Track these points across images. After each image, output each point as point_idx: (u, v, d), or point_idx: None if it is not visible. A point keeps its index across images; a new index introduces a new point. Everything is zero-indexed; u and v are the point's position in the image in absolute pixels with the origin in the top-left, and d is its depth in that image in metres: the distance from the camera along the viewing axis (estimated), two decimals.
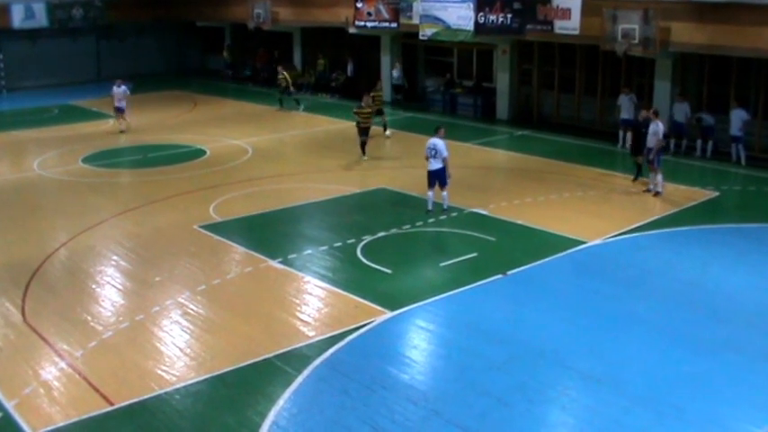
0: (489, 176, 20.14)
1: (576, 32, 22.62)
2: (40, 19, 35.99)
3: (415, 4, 26.80)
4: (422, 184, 16.56)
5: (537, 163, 20.94)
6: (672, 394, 9.20)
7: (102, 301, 12.37)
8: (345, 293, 12.34)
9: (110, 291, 12.80)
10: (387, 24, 28.56)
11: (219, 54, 39.97)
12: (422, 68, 31.73)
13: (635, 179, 18.34)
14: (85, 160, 22.00)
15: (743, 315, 11.44)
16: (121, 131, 25.84)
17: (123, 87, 26.17)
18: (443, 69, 30.54)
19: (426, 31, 25.99)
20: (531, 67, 26.94)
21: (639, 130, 18.27)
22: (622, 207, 16.91)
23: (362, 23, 29.17)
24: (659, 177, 17.39)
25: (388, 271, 13.18)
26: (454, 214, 16.06)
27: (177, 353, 10.52)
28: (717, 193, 17.77)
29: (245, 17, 34.64)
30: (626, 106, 21.94)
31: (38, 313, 11.83)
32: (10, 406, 9.20)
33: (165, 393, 9.44)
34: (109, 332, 11.14)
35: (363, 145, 21.23)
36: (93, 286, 12.96)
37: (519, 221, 15.69)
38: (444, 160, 15.87)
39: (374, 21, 28.81)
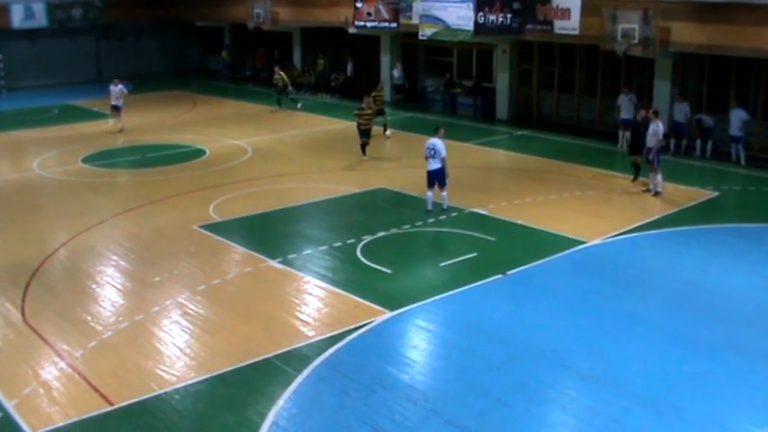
0: (489, 176, 20.14)
1: (576, 32, 22.62)
2: (40, 19, 36.00)
3: (414, 4, 26.79)
4: (421, 184, 16.56)
5: (537, 163, 20.94)
6: (672, 394, 9.20)
7: (102, 301, 12.36)
8: (345, 293, 12.34)
9: (109, 291, 12.80)
10: (386, 24, 28.56)
11: (219, 54, 39.98)
12: (421, 68, 31.73)
13: (635, 179, 18.33)
14: (85, 160, 22.00)
15: (743, 315, 11.44)
16: (121, 130, 25.86)
17: (120, 86, 26.22)
18: (443, 69, 30.55)
19: (426, 31, 25.98)
20: (531, 67, 26.94)
21: (638, 129, 18.27)
22: (622, 207, 16.91)
23: (362, 23, 29.17)
24: (659, 177, 17.39)
25: (388, 271, 13.18)
26: (454, 214, 16.06)
27: (177, 353, 10.52)
28: (716, 193, 17.77)
29: (245, 17, 34.64)
30: (626, 106, 21.94)
31: (37, 313, 11.83)
32: (10, 406, 9.20)
33: (165, 393, 9.44)
34: (109, 332, 11.14)
35: (364, 146, 21.19)
36: (93, 286, 12.96)
37: (519, 221, 15.70)
38: (443, 160, 15.87)
39: (374, 21, 28.81)
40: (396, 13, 27.95)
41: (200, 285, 12.74)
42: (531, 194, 17.60)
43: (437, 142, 15.91)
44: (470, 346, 10.53)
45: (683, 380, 9.59)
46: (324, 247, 14.38)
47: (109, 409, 9.14)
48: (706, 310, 11.61)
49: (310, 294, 12.45)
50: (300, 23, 33.53)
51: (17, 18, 35.41)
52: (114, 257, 14.27)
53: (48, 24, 36.29)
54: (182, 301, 12.16)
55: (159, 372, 9.97)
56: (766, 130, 21.30)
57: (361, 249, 14.19)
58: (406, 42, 30.24)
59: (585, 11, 22.22)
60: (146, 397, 9.36)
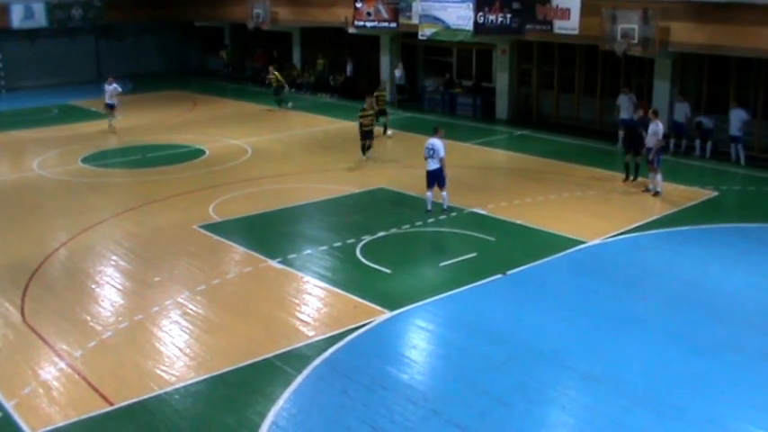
0: (489, 176, 20.14)
1: (576, 32, 22.63)
2: (40, 19, 35.99)
3: (414, 4, 26.79)
4: (421, 184, 16.56)
5: (536, 163, 20.94)
6: (672, 394, 9.20)
7: (102, 301, 12.36)
8: (345, 293, 12.34)
9: (109, 291, 12.80)
10: (386, 24, 28.56)
11: (218, 54, 39.98)
12: (421, 68, 31.73)
13: (634, 179, 18.31)
14: (85, 160, 22.00)
15: (743, 315, 11.44)
16: (110, 126, 25.93)
17: (114, 85, 26.24)
18: (443, 69, 30.56)
19: (426, 31, 25.98)
20: (531, 67, 26.94)
21: (634, 129, 18.24)
22: (622, 207, 16.91)
23: (362, 23, 29.16)
24: (659, 177, 17.39)
25: (388, 271, 13.18)
26: (454, 214, 16.06)
27: (177, 353, 10.51)
28: (716, 193, 17.77)
29: (245, 17, 34.64)
30: (625, 106, 21.91)
31: (37, 313, 11.83)
32: (9, 406, 9.20)
33: (165, 393, 9.44)
34: (108, 332, 11.13)
35: (365, 148, 21.04)
36: (93, 286, 12.96)
37: (518, 221, 15.70)
38: (441, 161, 15.86)
39: (373, 21, 28.80)
40: (395, 13, 27.95)
41: (200, 285, 12.73)
42: (530, 194, 17.60)
43: (436, 142, 15.90)
44: (470, 346, 10.53)
45: (682, 380, 9.58)
46: (324, 247, 14.38)
47: (109, 409, 9.14)
48: (706, 310, 11.62)
49: (310, 294, 12.45)
50: (300, 23, 33.53)
51: (17, 18, 35.40)
52: (114, 257, 14.27)
53: (47, 24, 36.29)
54: (181, 301, 12.16)
55: (159, 372, 9.97)
56: (766, 129, 21.30)
57: (361, 249, 14.19)
58: (406, 42, 30.24)
59: (585, 11, 22.22)
60: (145, 397, 9.35)
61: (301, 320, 11.44)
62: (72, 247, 14.82)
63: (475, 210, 16.41)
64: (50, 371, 10.05)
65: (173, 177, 19.86)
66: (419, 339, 10.94)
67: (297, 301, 12.16)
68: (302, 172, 20.30)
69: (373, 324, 11.21)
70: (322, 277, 13.01)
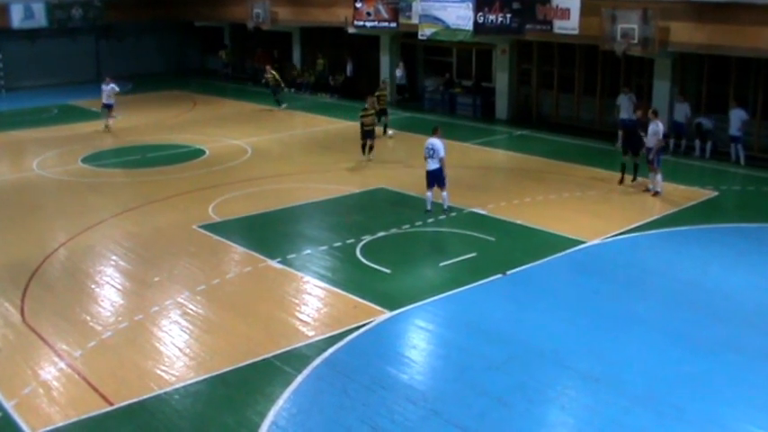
0: (488, 176, 20.13)
1: (576, 32, 22.64)
2: (40, 19, 35.99)
3: (414, 4, 26.79)
4: (421, 184, 16.56)
5: (536, 163, 20.94)
6: (671, 394, 9.20)
7: (102, 301, 12.36)
8: (345, 293, 12.34)
9: (109, 291, 12.79)
10: (386, 24, 28.56)
11: (217, 54, 39.99)
12: (421, 68, 31.73)
13: (633, 179, 18.27)
14: (85, 160, 22.00)
15: (742, 315, 11.44)
16: (106, 127, 25.96)
17: (111, 85, 26.24)
18: (442, 69, 30.55)
19: (425, 31, 25.97)
20: (531, 67, 26.94)
21: (633, 130, 18.19)
22: (622, 207, 16.91)
23: (362, 23, 29.17)
24: (659, 177, 17.39)
25: (388, 271, 13.18)
26: (453, 214, 16.06)
27: (176, 353, 10.51)
28: (716, 193, 17.78)
29: (245, 17, 34.65)
30: (625, 106, 21.91)
31: (37, 313, 11.83)
32: (9, 406, 9.20)
33: (165, 393, 9.44)
34: (108, 332, 11.13)
35: (366, 147, 20.90)
36: (93, 286, 12.96)
37: (518, 221, 15.70)
38: (441, 160, 15.86)
39: (373, 20, 28.80)
40: (395, 13, 27.95)
41: (200, 285, 12.73)
42: (530, 194, 17.60)
43: (436, 142, 15.90)
44: (470, 346, 10.53)
45: (682, 380, 9.59)
46: (323, 247, 14.38)
47: (108, 409, 9.14)
48: (706, 310, 11.62)
49: (310, 294, 12.44)
50: (300, 23, 33.53)
51: (17, 18, 35.40)
52: (114, 257, 14.27)
53: (47, 24, 36.29)
54: (181, 301, 12.16)
55: (159, 372, 9.97)
56: (766, 129, 21.29)
57: (361, 249, 14.19)
58: (406, 42, 30.23)
59: (585, 11, 22.23)
60: (145, 397, 9.35)
61: (301, 320, 11.44)
62: (72, 247, 14.82)
63: (475, 210, 16.41)
64: (50, 371, 10.05)
65: (172, 177, 19.86)
66: (419, 339, 10.94)
67: (296, 301, 12.16)
68: (302, 172, 20.30)
69: (373, 324, 11.21)
70: (322, 277, 13.01)
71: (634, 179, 18.29)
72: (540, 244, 14.43)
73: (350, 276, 13.11)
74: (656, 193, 17.36)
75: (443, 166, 15.92)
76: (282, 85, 30.16)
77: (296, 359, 10.19)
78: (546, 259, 13.66)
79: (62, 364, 10.21)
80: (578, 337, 10.82)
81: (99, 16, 37.78)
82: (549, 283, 12.81)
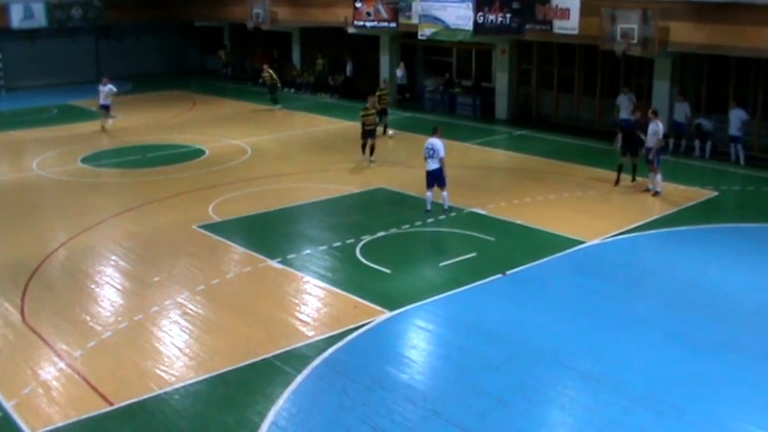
0: (488, 176, 20.13)
1: (575, 32, 22.64)
2: (39, 19, 35.97)
3: (414, 4, 26.78)
4: (421, 183, 16.56)
5: (536, 163, 20.94)
6: (671, 394, 9.20)
7: (102, 301, 12.36)
8: (344, 293, 12.33)
9: (109, 291, 12.79)
10: (386, 24, 28.55)
11: (216, 54, 40.01)
12: (421, 68, 31.73)
13: (633, 180, 18.23)
14: (84, 160, 22.00)
15: (742, 315, 11.45)
16: (103, 128, 25.98)
17: (109, 86, 26.23)
18: (442, 69, 30.55)
19: (425, 31, 25.97)
20: (530, 67, 26.94)
21: (633, 131, 18.16)
22: (621, 207, 16.91)
23: (361, 23, 29.16)
24: (658, 177, 17.39)
25: (388, 271, 13.18)
26: (453, 214, 16.06)
27: (176, 353, 10.51)
28: (716, 193, 17.78)
29: (244, 17, 34.64)
30: (625, 106, 21.93)
31: (37, 313, 11.83)
32: (9, 406, 9.20)
33: (165, 393, 9.44)
34: (108, 332, 11.13)
35: (367, 147, 20.77)
36: (93, 286, 12.96)
37: (518, 221, 15.70)
38: (441, 161, 15.86)
39: (373, 21, 28.80)
40: (395, 13, 27.94)
41: (200, 285, 12.73)
42: (530, 194, 17.61)
43: (436, 142, 15.90)
44: (470, 346, 10.53)
45: (682, 380, 9.59)
46: (323, 247, 14.38)
47: (108, 409, 9.14)
48: (705, 310, 11.62)
49: (310, 294, 12.44)
50: (299, 23, 33.52)
51: (16, 18, 35.37)
52: (114, 257, 14.27)
53: (47, 24, 36.26)
54: (181, 301, 12.16)
55: (159, 372, 9.96)
56: (765, 129, 21.29)
57: (361, 249, 14.18)
58: (406, 42, 30.23)
59: (585, 11, 22.23)
60: (145, 397, 9.35)
61: (301, 320, 11.44)
62: (72, 247, 14.82)
63: (475, 210, 16.41)
64: (50, 371, 10.05)
65: (172, 177, 19.85)
66: (419, 339, 10.94)
67: (296, 301, 12.16)
68: (302, 172, 20.30)
69: (373, 324, 11.21)
70: (322, 277, 13.01)
71: (633, 179, 18.28)
72: (539, 244, 14.43)
73: (350, 276, 13.11)
74: (655, 193, 17.36)
75: (443, 167, 15.92)
76: (279, 85, 30.14)
77: (296, 359, 10.19)
78: (546, 259, 13.66)
79: (62, 364, 10.21)
80: (578, 336, 10.82)
81: (99, 16, 37.76)
82: (548, 283, 12.81)
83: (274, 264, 13.65)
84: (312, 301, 12.22)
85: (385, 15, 28.33)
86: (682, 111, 21.49)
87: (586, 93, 25.50)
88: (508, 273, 13.03)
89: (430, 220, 15.77)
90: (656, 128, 17.32)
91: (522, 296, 12.29)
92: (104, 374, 9.92)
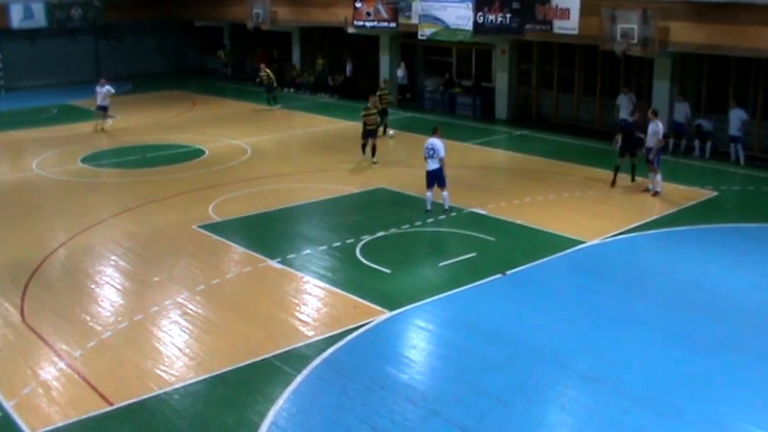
0: (488, 176, 20.14)
1: (575, 32, 22.64)
2: (39, 19, 35.97)
3: (414, 4, 26.78)
4: (421, 183, 16.56)
5: (536, 163, 20.95)
6: (671, 394, 9.21)
7: (101, 301, 12.36)
8: (344, 293, 12.34)
9: (109, 291, 12.79)
10: (386, 24, 28.55)
11: (216, 54, 40.01)
12: (421, 68, 31.73)
13: (632, 180, 18.21)
14: (84, 160, 22.00)
15: (742, 315, 11.45)
16: (102, 129, 26.02)
17: (107, 87, 26.22)
18: (442, 69, 30.55)
19: (425, 31, 25.96)
20: (530, 67, 26.94)
21: (631, 132, 18.12)
22: (621, 207, 16.91)
23: (361, 23, 29.16)
24: (658, 177, 17.39)
25: (388, 271, 13.18)
26: (453, 214, 16.06)
27: (176, 353, 10.51)
28: (716, 193, 17.78)
29: (244, 17, 34.64)
30: (625, 106, 21.94)
31: (37, 313, 11.83)
32: (9, 406, 9.20)
33: (164, 393, 9.44)
34: (108, 332, 11.13)
35: (368, 147, 20.70)
36: (92, 286, 12.96)
37: (518, 221, 15.70)
38: (441, 161, 15.86)
39: (373, 20, 28.80)
40: (395, 13, 27.95)
41: (200, 285, 12.73)
42: (530, 194, 17.61)
43: (436, 142, 15.90)
44: (470, 346, 10.53)
45: (682, 380, 9.59)
46: (323, 247, 14.38)
47: (108, 409, 9.14)
48: (705, 310, 11.62)
49: (309, 294, 12.44)
50: (299, 23, 33.53)
51: (16, 18, 35.38)
52: (113, 257, 14.27)
53: (47, 24, 36.27)
54: (181, 301, 12.16)
55: (158, 372, 9.96)
56: (765, 129, 21.30)
57: (361, 249, 14.19)
58: (406, 42, 30.23)
59: (584, 11, 22.23)
60: (145, 397, 9.35)
61: (301, 320, 11.44)
62: (71, 247, 14.82)
63: (474, 210, 16.41)
64: (50, 371, 10.05)
65: (172, 177, 19.86)
66: (419, 339, 10.94)
67: (296, 301, 12.16)
68: (302, 172, 20.30)
69: (373, 324, 11.21)
70: (321, 277, 13.01)
71: (633, 180, 18.26)
72: (539, 244, 14.43)
73: (349, 276, 13.11)
74: (655, 193, 17.37)
75: (443, 167, 15.91)
76: (275, 84, 30.08)
77: (296, 359, 10.19)
78: (546, 259, 13.66)
79: (62, 364, 10.21)
80: (578, 336, 10.82)
81: (98, 16, 37.76)
82: (548, 283, 12.81)
83: (274, 264, 13.65)
84: (312, 301, 12.23)
85: (385, 15, 28.33)
86: (682, 111, 21.50)
87: (586, 93, 25.51)
88: (508, 273, 13.03)
89: (430, 220, 15.77)
90: (656, 128, 17.32)
91: (521, 296, 12.29)
92: (104, 374, 9.92)
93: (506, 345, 10.54)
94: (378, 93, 23.35)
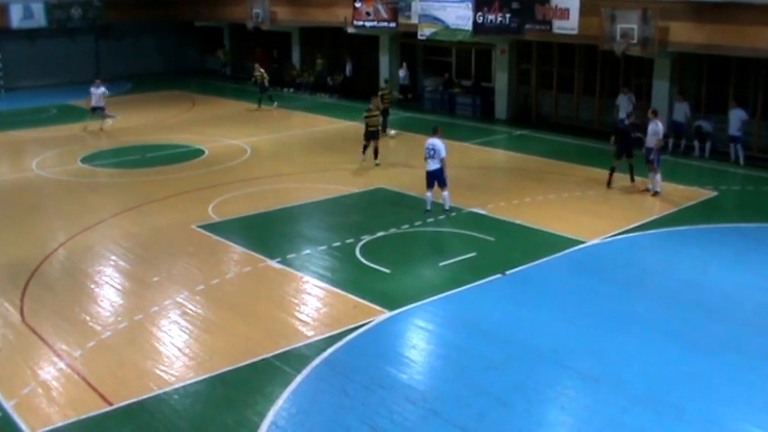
0: (488, 176, 20.14)
1: (575, 32, 22.65)
2: (39, 19, 35.98)
3: (413, 4, 26.79)
4: (420, 183, 16.56)
5: (536, 163, 20.95)
6: (671, 394, 9.21)
7: (101, 301, 12.36)
8: (344, 293, 12.34)
9: (108, 291, 12.79)
10: (385, 24, 28.56)
11: (215, 54, 40.00)
12: (420, 68, 31.73)
13: (632, 180, 18.20)
14: (84, 160, 22.00)
15: (741, 314, 11.45)
16: (101, 129, 26.01)
17: (102, 89, 26.17)
18: (442, 69, 30.55)
19: (425, 31, 25.97)
20: (530, 67, 26.94)
21: (626, 133, 18.08)
22: (621, 207, 16.91)
23: (361, 23, 29.17)
24: (658, 177, 17.39)
25: (387, 271, 13.18)
26: (453, 214, 16.06)
27: (176, 353, 10.51)
28: (715, 193, 17.78)
29: (244, 17, 34.65)
30: (625, 106, 21.95)
31: (36, 313, 11.83)
32: (9, 406, 9.20)
33: (164, 393, 9.44)
34: (107, 332, 11.13)
35: (369, 149, 20.50)
36: (92, 286, 12.95)
37: (518, 221, 15.70)
38: (442, 161, 15.86)
39: (373, 20, 28.80)
40: (394, 13, 27.95)
41: (199, 285, 12.73)
42: (530, 194, 17.61)
43: (437, 143, 15.90)
44: (469, 346, 10.53)
45: (681, 379, 9.59)
46: (323, 247, 14.38)
47: (108, 409, 9.14)
48: (705, 310, 11.62)
49: (309, 294, 12.44)
50: (299, 23, 33.53)
51: (16, 18, 35.39)
52: (113, 257, 14.27)
53: (47, 24, 36.28)
54: (180, 301, 12.16)
55: (158, 372, 9.96)
56: (765, 129, 21.30)
57: (360, 249, 14.19)
58: (405, 42, 30.23)
59: (584, 11, 22.24)
60: (145, 397, 9.35)
61: (300, 320, 11.44)
62: (71, 247, 14.82)
63: (474, 210, 16.41)
64: (50, 371, 10.05)
65: (172, 177, 19.85)
66: (418, 339, 10.94)
67: (296, 301, 12.16)
68: (301, 172, 20.30)
69: (372, 324, 11.21)
70: (321, 277, 13.01)
71: (632, 180, 18.24)
72: (539, 244, 14.44)
73: (349, 276, 13.11)
74: (655, 193, 17.37)
75: (444, 167, 15.91)
76: (267, 85, 29.97)
77: (295, 359, 10.19)
78: (545, 259, 13.66)
79: (61, 364, 10.21)
80: (577, 336, 10.82)
81: (98, 16, 37.77)
82: (548, 283, 12.81)
83: (274, 264, 13.65)
84: (312, 301, 12.22)
85: (384, 15, 28.34)
86: (681, 111, 21.50)
87: (586, 93, 25.51)
88: (508, 273, 13.03)
89: (430, 220, 15.77)
90: (656, 128, 17.32)
91: (521, 296, 12.29)
92: (104, 374, 9.92)
93: (506, 345, 10.54)
94: (379, 93, 23.34)
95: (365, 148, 20.68)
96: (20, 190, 19.33)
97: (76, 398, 9.39)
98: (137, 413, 9.05)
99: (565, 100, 26.21)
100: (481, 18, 23.64)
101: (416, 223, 15.60)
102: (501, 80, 27.34)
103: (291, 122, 27.99)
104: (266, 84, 29.79)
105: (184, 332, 11.13)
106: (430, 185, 16.09)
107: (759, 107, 21.14)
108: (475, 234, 14.93)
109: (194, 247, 14.68)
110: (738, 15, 19.21)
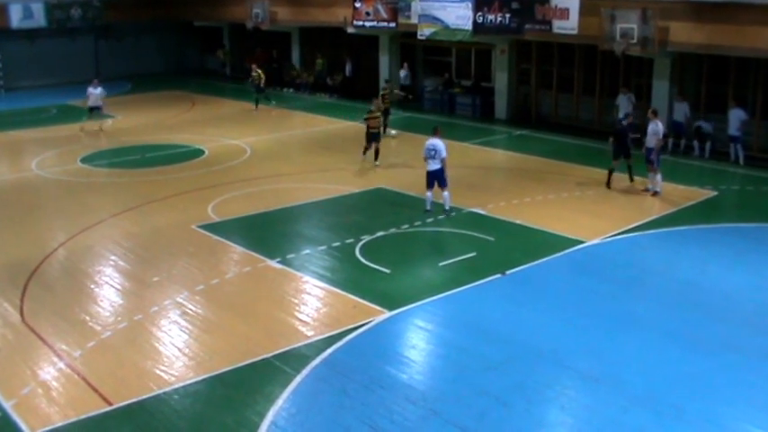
0: (488, 176, 20.14)
1: (575, 32, 22.65)
2: (39, 19, 35.98)
3: (413, 4, 26.80)
4: (420, 183, 16.57)
5: (535, 163, 20.95)
6: (670, 394, 9.21)
7: (101, 301, 12.36)
8: (344, 293, 12.34)
9: (108, 291, 12.79)
10: (385, 24, 28.56)
11: (214, 54, 39.99)
12: (420, 68, 31.72)
13: (631, 181, 18.20)
14: (84, 160, 21.99)
15: (741, 314, 11.45)
16: (101, 129, 26.02)
17: (100, 89, 26.15)
18: (442, 69, 30.55)
19: (425, 31, 25.99)
20: (530, 67, 26.94)
21: (623, 134, 18.05)
22: (621, 207, 16.91)
23: (361, 23, 29.17)
24: (658, 177, 17.39)
25: (387, 271, 13.18)
26: (453, 214, 16.06)
27: (176, 353, 10.51)
28: (715, 193, 17.79)
29: (244, 17, 34.64)
30: (624, 106, 21.94)
31: (36, 313, 11.82)
32: (8, 406, 9.20)
33: (164, 393, 9.44)
34: (107, 332, 11.13)
35: (370, 151, 20.44)
36: (92, 286, 12.95)
37: (518, 221, 15.70)
38: (443, 161, 15.86)
39: (372, 20, 28.81)
40: (394, 13, 27.95)
41: (199, 285, 12.73)
42: (529, 194, 17.61)
43: (437, 143, 15.90)
44: (469, 346, 10.53)
45: (681, 379, 9.59)
46: (323, 247, 14.38)
47: (108, 409, 9.14)
48: (704, 310, 11.62)
49: (309, 294, 12.44)
50: (299, 23, 33.53)
51: (16, 18, 35.38)
52: (113, 257, 14.27)
53: (46, 24, 36.27)
54: (180, 301, 12.16)
55: (158, 372, 9.96)
56: (765, 129, 21.30)
57: (360, 249, 14.19)
58: (405, 42, 30.23)
59: (584, 11, 22.24)
60: (144, 397, 9.35)
61: (300, 320, 11.44)
62: (71, 247, 14.82)
63: (474, 209, 16.42)
64: (49, 371, 10.05)
65: (171, 177, 19.85)
66: (418, 339, 10.94)
67: (296, 301, 12.16)
68: (301, 172, 20.30)
69: (372, 324, 11.21)
70: (321, 277, 13.01)
71: (632, 180, 18.24)
72: (539, 244, 14.44)
73: (349, 276, 13.11)
74: (655, 193, 17.37)
75: (445, 167, 15.91)
76: (262, 86, 29.90)
77: (295, 359, 10.19)
78: (545, 259, 13.67)
79: (61, 364, 10.21)
80: (577, 336, 10.82)
81: (98, 16, 37.77)
82: (548, 283, 12.81)
83: (274, 264, 13.65)
84: (311, 300, 12.23)
85: (384, 15, 28.34)
86: (681, 111, 21.50)
87: (586, 93, 25.50)
88: (507, 273, 13.03)
89: (429, 220, 15.77)
90: (656, 128, 17.33)
91: (521, 296, 12.29)
92: (104, 374, 9.92)
93: (506, 345, 10.54)
94: (381, 94, 23.33)
95: (365, 150, 20.65)
96: (19, 190, 19.33)
97: (76, 398, 9.39)
98: (137, 413, 9.05)
99: (565, 100, 26.21)
100: (481, 18, 23.67)
101: (416, 223, 15.60)
102: (501, 80, 27.34)
103: (291, 122, 27.99)
104: (262, 84, 29.78)
105: (184, 332, 11.13)
106: (430, 185, 16.09)
107: (759, 107, 21.13)
108: (475, 234, 14.93)
109: (194, 247, 14.68)
110: (738, 15, 19.21)
